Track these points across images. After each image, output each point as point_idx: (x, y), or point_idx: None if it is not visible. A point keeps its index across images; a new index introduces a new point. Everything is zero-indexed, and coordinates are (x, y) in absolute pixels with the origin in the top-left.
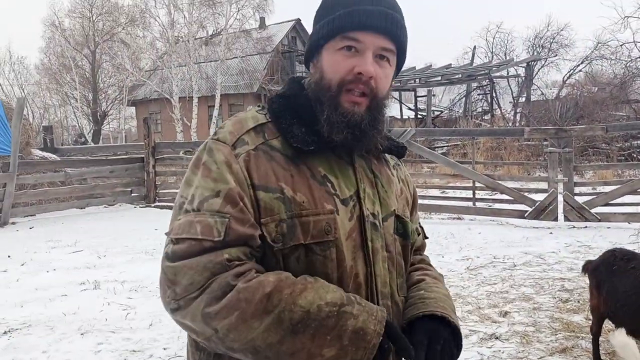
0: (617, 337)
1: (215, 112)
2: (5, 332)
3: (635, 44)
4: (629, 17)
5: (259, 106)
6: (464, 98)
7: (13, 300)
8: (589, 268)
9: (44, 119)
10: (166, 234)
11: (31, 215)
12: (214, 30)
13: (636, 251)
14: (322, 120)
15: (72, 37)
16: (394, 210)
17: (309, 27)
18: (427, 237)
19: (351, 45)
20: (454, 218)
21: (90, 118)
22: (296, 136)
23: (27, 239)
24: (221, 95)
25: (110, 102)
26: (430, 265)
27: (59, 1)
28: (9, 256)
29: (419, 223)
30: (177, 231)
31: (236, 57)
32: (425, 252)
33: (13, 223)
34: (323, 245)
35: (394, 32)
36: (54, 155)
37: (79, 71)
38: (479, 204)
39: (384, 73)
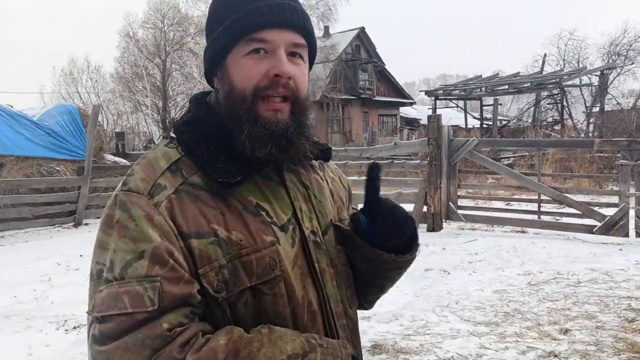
0: None
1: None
2: (74, 327)
3: None
4: None
5: (165, 137)
6: (532, 107)
7: (84, 297)
8: None
9: (117, 125)
10: (87, 312)
11: None
12: None
13: None
14: (242, 137)
15: (145, 47)
16: (331, 220)
17: (373, 35)
18: None
19: (259, 47)
20: (517, 231)
21: (160, 125)
22: (218, 169)
23: None
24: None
25: (179, 109)
26: None
27: (133, 13)
28: (81, 255)
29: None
30: (100, 307)
31: None
32: (486, 265)
33: (86, 224)
34: (270, 282)
35: (301, 23)
36: (125, 160)
37: (150, 79)
38: (544, 218)
39: (300, 71)
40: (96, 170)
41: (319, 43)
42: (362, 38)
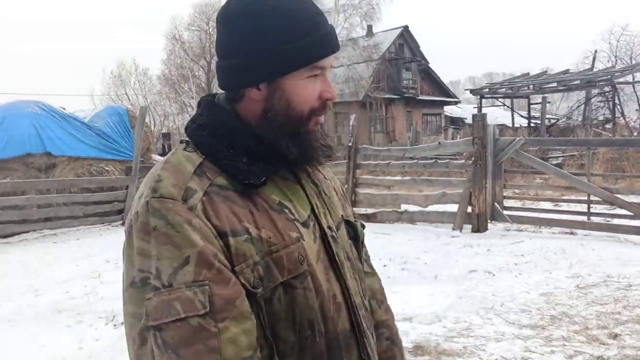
0: None
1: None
2: (123, 322)
3: None
4: None
5: (182, 142)
6: (583, 105)
7: None
8: None
9: (163, 126)
10: (139, 321)
11: None
12: None
13: None
14: (290, 147)
15: (190, 49)
16: (342, 216)
17: (416, 34)
18: (363, 227)
19: (317, 73)
20: (565, 233)
21: None
22: (243, 171)
23: None
24: None
25: None
26: (384, 296)
27: (179, 16)
28: None
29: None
30: (155, 316)
31: (342, 65)
32: (533, 267)
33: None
34: (300, 277)
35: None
36: None
37: (196, 81)
38: (594, 219)
39: None
40: (143, 170)
41: (362, 42)
42: (405, 37)
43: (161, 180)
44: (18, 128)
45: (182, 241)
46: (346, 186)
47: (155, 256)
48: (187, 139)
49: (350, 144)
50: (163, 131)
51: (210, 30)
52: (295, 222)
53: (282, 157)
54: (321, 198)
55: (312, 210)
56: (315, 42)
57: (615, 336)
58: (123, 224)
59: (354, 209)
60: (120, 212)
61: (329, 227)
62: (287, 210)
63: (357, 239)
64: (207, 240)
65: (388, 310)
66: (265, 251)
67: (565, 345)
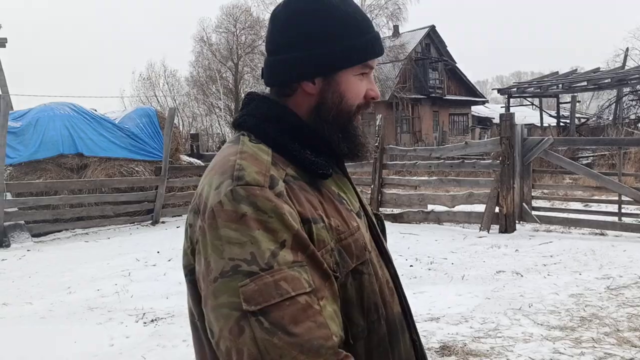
0: None
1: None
2: (152, 320)
3: None
4: None
5: (243, 134)
6: (614, 104)
7: (160, 292)
8: None
9: (192, 127)
10: (238, 309)
11: (178, 216)
12: None
13: None
14: (339, 140)
15: (218, 51)
16: (372, 209)
17: (443, 34)
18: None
19: (367, 71)
20: (596, 234)
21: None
22: (315, 162)
23: (174, 236)
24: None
25: None
26: None
27: (207, 18)
28: (158, 252)
29: None
30: (258, 300)
31: None
32: (562, 268)
33: (163, 222)
34: (366, 263)
35: None
36: (199, 161)
37: (223, 82)
38: (625, 219)
39: None
40: (172, 171)
41: (388, 42)
42: (432, 37)
43: (244, 169)
44: (51, 130)
45: (277, 225)
46: (372, 186)
47: (248, 242)
48: (242, 132)
49: (376, 144)
50: (192, 132)
51: (238, 32)
52: (352, 212)
53: (334, 151)
54: (358, 192)
55: (360, 202)
56: (370, 41)
57: None
58: (153, 223)
59: (381, 209)
60: (150, 211)
61: (372, 219)
62: (345, 202)
63: (384, 231)
64: (298, 224)
65: None
66: (336, 239)
67: (595, 347)
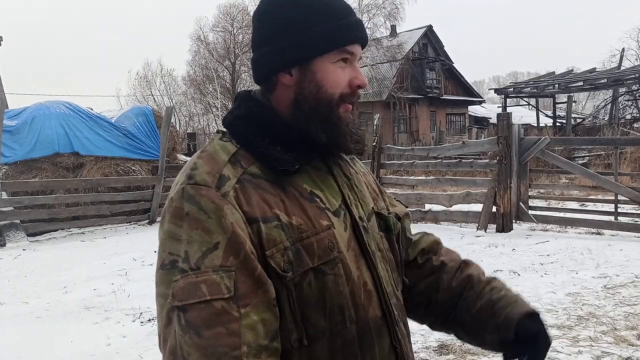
0: None
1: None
2: (149, 320)
3: None
4: None
5: (218, 132)
6: (609, 104)
7: None
8: None
9: (189, 127)
10: (167, 301)
11: None
12: None
13: None
14: (319, 132)
15: (215, 50)
16: (373, 208)
17: (440, 34)
18: (406, 206)
19: (346, 58)
20: (592, 233)
21: None
22: (278, 159)
23: None
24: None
25: None
26: (450, 250)
27: (204, 17)
28: (155, 251)
29: (392, 198)
30: (181, 297)
31: (366, 65)
32: (559, 267)
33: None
34: (330, 263)
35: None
36: None
37: (220, 82)
38: (622, 219)
39: None
40: (169, 170)
41: (385, 42)
42: (429, 36)
43: (197, 168)
44: (47, 128)
45: (213, 227)
46: None
47: (185, 240)
48: (224, 129)
49: (374, 143)
50: (188, 131)
51: (235, 31)
52: (326, 210)
53: (314, 145)
54: (353, 190)
55: (344, 200)
56: (345, 26)
57: None
58: (150, 223)
59: None
60: (147, 211)
61: (360, 218)
62: (318, 199)
63: (389, 231)
64: (238, 226)
65: (449, 251)
66: (296, 237)
67: (592, 346)
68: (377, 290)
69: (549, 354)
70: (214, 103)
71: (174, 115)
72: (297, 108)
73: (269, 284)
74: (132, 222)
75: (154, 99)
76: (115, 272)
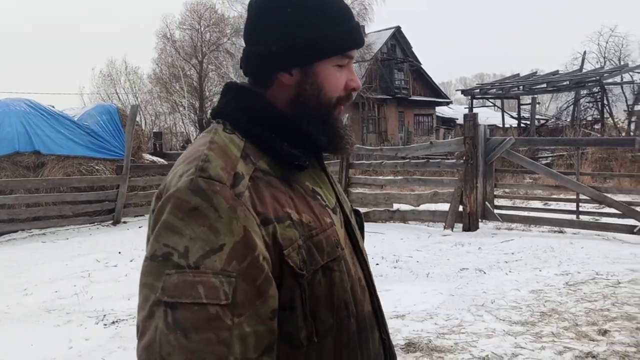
0: None
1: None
2: (113, 322)
3: None
4: None
5: (218, 122)
6: (572, 106)
7: (122, 293)
8: None
9: (155, 126)
10: (154, 293)
11: (140, 216)
12: None
13: None
14: (318, 133)
15: (182, 48)
16: (351, 205)
17: (409, 35)
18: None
19: (346, 63)
20: (555, 231)
21: (197, 125)
22: (291, 154)
23: (136, 237)
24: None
25: None
26: None
27: (170, 14)
28: (119, 252)
29: None
30: (173, 293)
31: None
32: (523, 265)
33: (124, 222)
34: (337, 260)
35: None
36: (162, 160)
37: (187, 80)
38: (583, 217)
39: None
40: (134, 170)
41: None
42: (397, 37)
43: (209, 161)
44: (6, 126)
45: (222, 228)
46: (339, 186)
47: (188, 235)
48: (218, 120)
49: None
50: (155, 130)
51: (202, 29)
52: (326, 208)
53: (313, 144)
54: (337, 187)
55: (337, 197)
56: (349, 32)
57: (604, 332)
58: (114, 223)
59: None
60: (111, 211)
61: (349, 215)
62: (319, 197)
63: (362, 228)
64: (250, 229)
65: None
66: (307, 235)
67: (555, 342)
68: (368, 286)
69: (513, 350)
70: (181, 102)
71: (140, 114)
72: (297, 109)
73: (270, 295)
74: (96, 223)
75: (119, 97)
76: (78, 274)
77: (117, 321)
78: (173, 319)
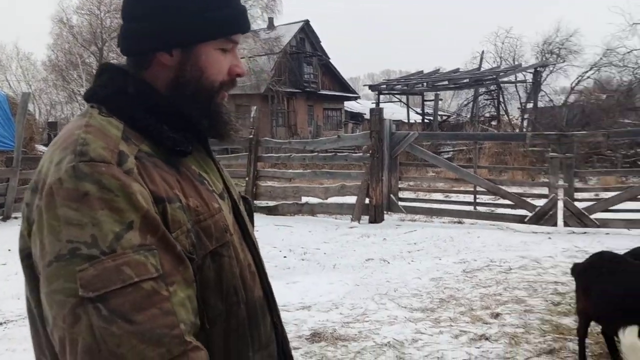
0: (626, 337)
1: (226, 96)
2: (1, 324)
3: None
4: (636, 24)
5: (93, 107)
6: (471, 103)
7: (11, 292)
8: (577, 270)
9: (51, 116)
10: (74, 296)
11: None
12: None
13: (623, 254)
14: (201, 117)
15: (80, 34)
16: (240, 192)
17: (317, 29)
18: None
19: (230, 47)
20: (455, 222)
21: None
22: (172, 138)
23: None
24: (229, 95)
25: None
26: None
27: None
28: (9, 250)
29: None
30: (97, 285)
31: (243, 57)
32: (424, 255)
33: (15, 217)
34: (226, 245)
35: None
36: None
37: (86, 68)
38: (480, 209)
39: None
40: (26, 162)
41: (262, 35)
42: (306, 31)
43: (88, 144)
44: None
45: (123, 205)
46: (247, 179)
47: (89, 223)
48: (92, 104)
49: (251, 136)
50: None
51: (102, 15)
52: (214, 193)
53: (195, 128)
54: (224, 173)
55: (224, 184)
56: (234, 15)
57: (496, 315)
58: (4, 219)
59: (256, 202)
60: (1, 206)
61: (238, 201)
62: (206, 182)
63: (251, 215)
64: (148, 204)
65: None
66: (195, 220)
67: (452, 326)
68: (258, 271)
69: (413, 335)
70: (79, 91)
71: (33, 103)
72: (177, 91)
73: (187, 260)
74: None
75: (9, 84)
76: None
77: (5, 322)
78: (108, 310)
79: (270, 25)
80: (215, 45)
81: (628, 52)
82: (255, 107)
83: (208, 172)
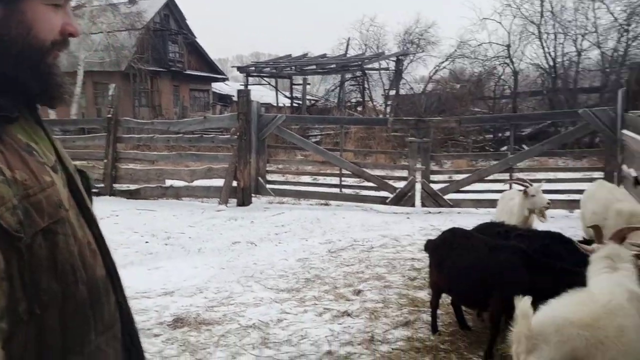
0: (520, 306)
1: (78, 90)
2: None
3: (491, 45)
4: (486, 19)
5: None
6: (338, 88)
7: None
8: (430, 246)
9: None
10: None
11: None
12: (77, 1)
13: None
14: (29, 78)
15: None
16: (75, 165)
17: (182, 5)
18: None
19: (61, 3)
20: (321, 204)
21: None
22: None
23: None
24: (85, 72)
25: None
26: None
27: None
28: None
29: None
30: None
31: (101, 32)
32: (292, 236)
33: None
34: (60, 222)
35: None
36: None
37: None
38: (346, 191)
39: None
40: None
41: (123, 9)
42: (171, 7)
43: None
44: None
45: None
46: (106, 161)
47: None
48: None
49: (109, 115)
50: None
51: None
52: (45, 165)
53: (22, 92)
54: (56, 143)
55: (57, 155)
56: None
57: (358, 292)
58: None
59: (116, 185)
60: None
61: (73, 174)
62: (35, 153)
63: (89, 190)
64: None
65: None
66: (22, 195)
67: (316, 304)
68: (100, 249)
69: (279, 315)
70: None
71: None
72: (1, 50)
73: None
74: None
75: None
76: None
77: None
78: None
79: (132, 0)
80: (43, 1)
81: (478, 45)
82: (114, 85)
83: (37, 142)
